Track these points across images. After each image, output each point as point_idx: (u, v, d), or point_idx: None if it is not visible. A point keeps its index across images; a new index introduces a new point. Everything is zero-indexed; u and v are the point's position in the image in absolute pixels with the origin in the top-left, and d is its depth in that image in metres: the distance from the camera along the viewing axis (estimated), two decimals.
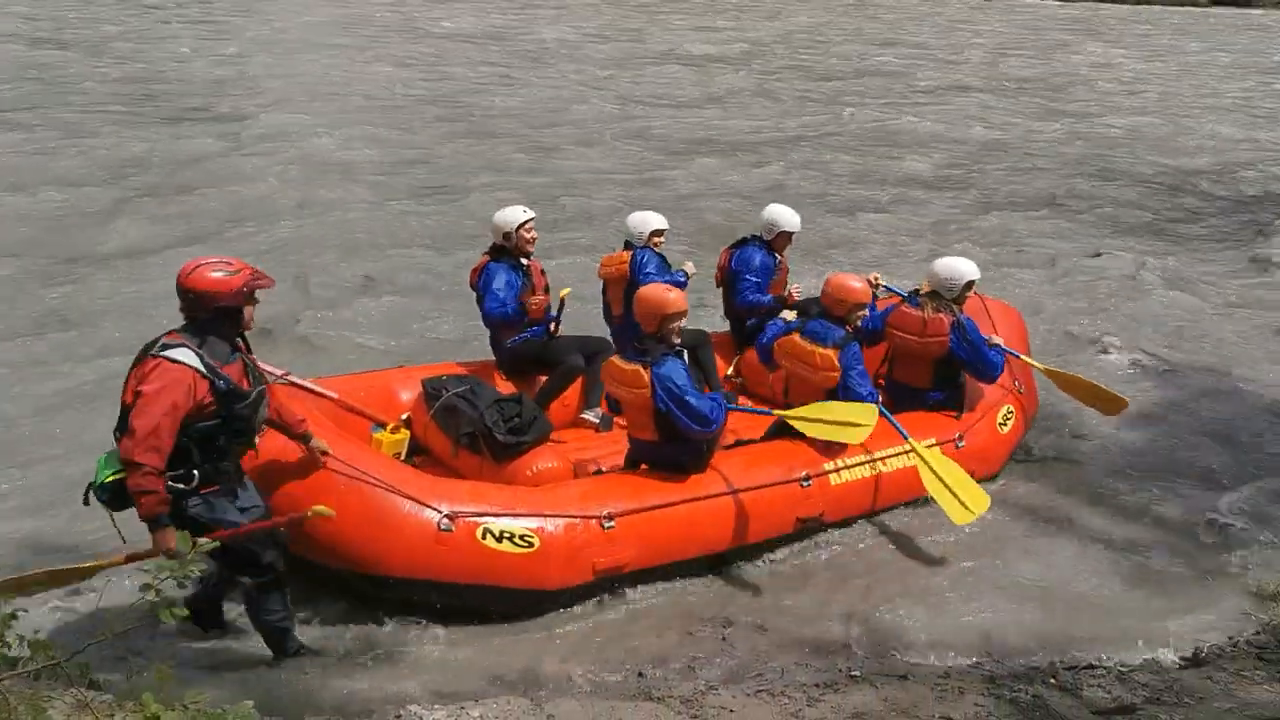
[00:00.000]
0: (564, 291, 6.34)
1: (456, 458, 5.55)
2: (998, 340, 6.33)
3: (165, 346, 3.86)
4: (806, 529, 5.47)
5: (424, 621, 4.60)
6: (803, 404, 5.69)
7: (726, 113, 19.00)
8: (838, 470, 5.59)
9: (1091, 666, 4.46)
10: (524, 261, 6.16)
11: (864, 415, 5.32)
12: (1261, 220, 13.35)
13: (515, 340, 6.20)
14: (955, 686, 4.04)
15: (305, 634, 4.50)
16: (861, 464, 5.71)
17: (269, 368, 5.74)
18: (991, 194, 14.11)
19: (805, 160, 15.44)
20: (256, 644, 4.41)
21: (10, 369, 7.34)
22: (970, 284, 6.12)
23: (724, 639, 4.68)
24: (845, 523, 5.65)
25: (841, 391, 5.59)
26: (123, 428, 3.86)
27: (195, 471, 3.94)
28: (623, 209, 10.93)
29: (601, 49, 25.54)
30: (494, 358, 6.41)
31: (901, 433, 5.73)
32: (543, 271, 6.32)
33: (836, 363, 5.59)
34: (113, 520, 3.99)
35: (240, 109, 16.52)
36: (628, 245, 6.69)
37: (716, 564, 5.31)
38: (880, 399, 5.84)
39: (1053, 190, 14.48)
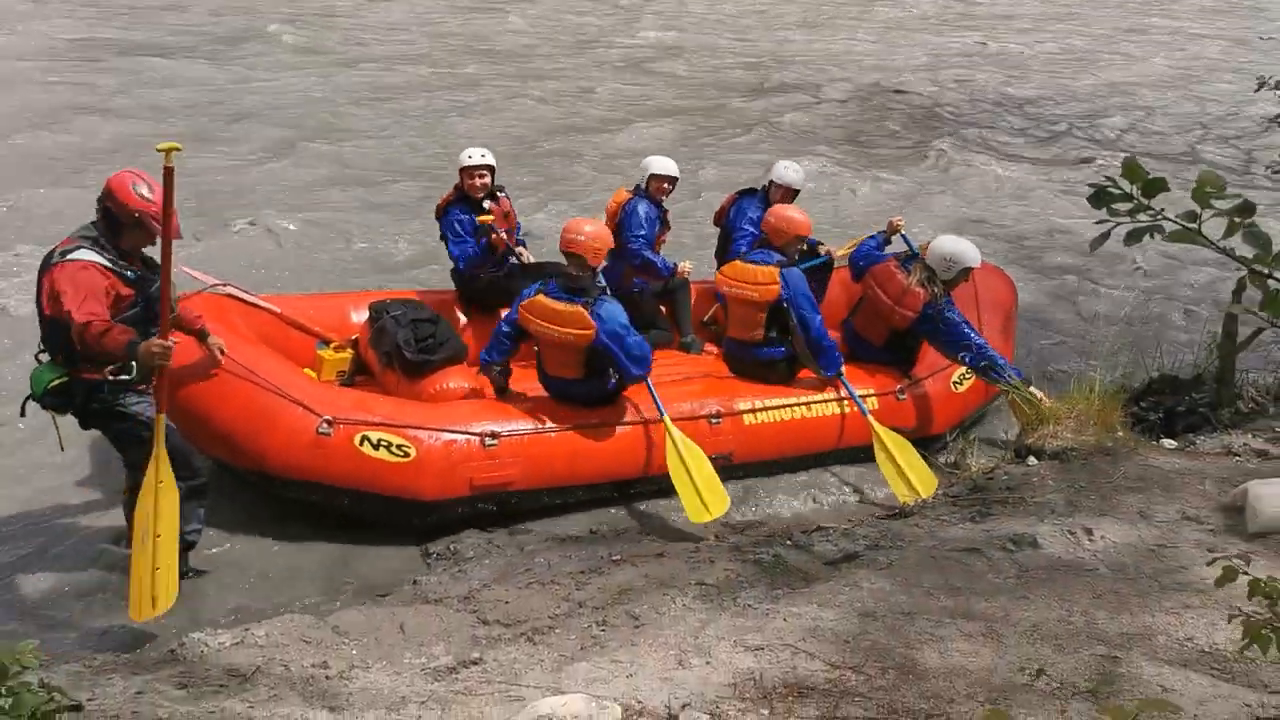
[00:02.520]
0: (482, 218, 5.99)
1: (384, 375, 5.66)
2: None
3: (65, 253, 4.01)
4: (715, 468, 5.21)
5: (202, 549, 4.59)
6: (741, 333, 5.77)
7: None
8: (754, 411, 5.48)
9: (821, 528, 4.85)
10: (485, 204, 6.01)
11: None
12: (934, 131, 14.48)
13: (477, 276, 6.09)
14: (706, 558, 4.29)
15: (77, 573, 4.50)
16: (783, 407, 5.56)
17: (205, 276, 5.87)
18: (696, 117, 14.35)
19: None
20: (56, 580, 4.41)
21: None
22: (966, 271, 5.84)
23: (489, 542, 4.84)
24: (762, 466, 5.55)
25: (797, 324, 5.56)
26: (48, 339, 4.07)
27: (134, 363, 4.04)
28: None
29: None
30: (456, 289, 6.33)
31: (861, 408, 5.59)
32: (506, 215, 6.16)
33: (778, 277, 5.55)
34: (55, 424, 4.26)
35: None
36: (636, 188, 6.56)
37: (621, 492, 5.26)
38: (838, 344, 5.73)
39: (748, 110, 14.83)
